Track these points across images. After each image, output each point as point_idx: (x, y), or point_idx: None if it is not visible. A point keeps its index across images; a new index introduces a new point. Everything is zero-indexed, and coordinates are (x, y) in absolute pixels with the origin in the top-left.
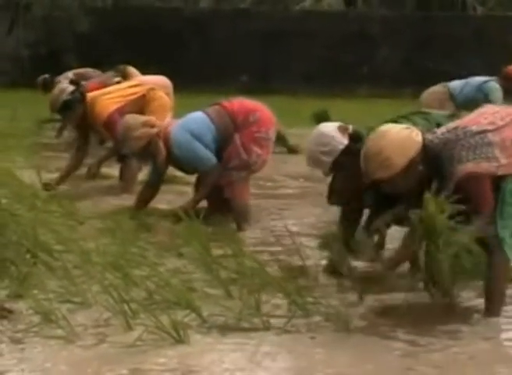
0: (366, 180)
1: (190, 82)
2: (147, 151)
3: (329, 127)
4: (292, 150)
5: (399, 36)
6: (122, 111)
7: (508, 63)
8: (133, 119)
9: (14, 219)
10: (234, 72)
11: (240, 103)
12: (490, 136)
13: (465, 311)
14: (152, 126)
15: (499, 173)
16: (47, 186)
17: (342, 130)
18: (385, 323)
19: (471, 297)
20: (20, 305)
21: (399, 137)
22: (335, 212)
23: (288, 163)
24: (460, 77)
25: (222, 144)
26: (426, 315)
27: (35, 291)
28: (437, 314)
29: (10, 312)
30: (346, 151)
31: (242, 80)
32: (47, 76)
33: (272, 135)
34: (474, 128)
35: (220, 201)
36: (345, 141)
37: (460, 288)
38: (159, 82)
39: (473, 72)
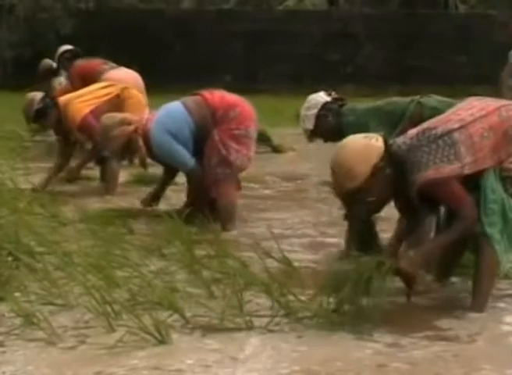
0: (339, 194)
1: (173, 83)
2: (127, 150)
3: (318, 92)
4: (276, 150)
5: (382, 34)
6: (96, 112)
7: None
8: (108, 119)
9: None
10: (218, 72)
11: (221, 97)
12: (456, 135)
13: (450, 309)
14: (129, 123)
15: (466, 172)
16: (33, 190)
17: (327, 93)
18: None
19: (455, 294)
20: (2, 308)
21: (358, 147)
22: (318, 213)
23: (271, 163)
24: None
25: (199, 136)
26: (410, 314)
27: (17, 294)
28: (422, 313)
29: None
30: (326, 106)
31: (226, 80)
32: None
33: (253, 132)
34: (439, 130)
35: (203, 201)
36: (328, 99)
37: (444, 285)
38: (129, 79)
39: (456, 69)
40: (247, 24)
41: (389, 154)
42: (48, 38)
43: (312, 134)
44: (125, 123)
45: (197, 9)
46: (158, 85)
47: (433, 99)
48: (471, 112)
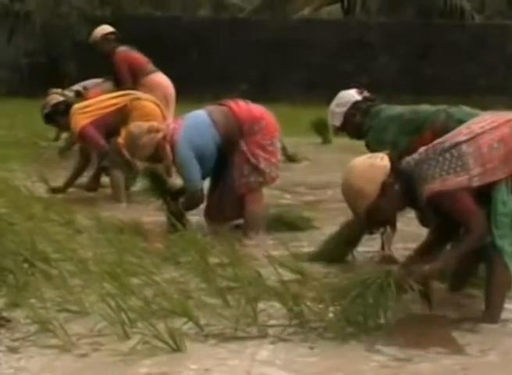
0: (358, 218)
1: (189, 91)
2: (156, 157)
3: (350, 90)
4: (291, 159)
5: (398, 44)
6: (98, 123)
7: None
8: (136, 127)
9: (12, 228)
10: (234, 81)
11: (248, 110)
12: (464, 147)
13: (463, 321)
14: (157, 131)
15: (476, 183)
16: (54, 190)
17: (359, 91)
18: (379, 334)
19: (469, 305)
20: (18, 314)
21: (363, 168)
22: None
23: (288, 171)
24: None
25: (225, 147)
26: (422, 326)
27: (32, 300)
28: (434, 325)
29: (8, 320)
30: (356, 105)
31: (242, 89)
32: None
33: (277, 142)
34: (447, 144)
35: (220, 211)
36: (359, 97)
37: (456, 297)
38: (168, 85)
39: (472, 79)
40: (263, 33)
41: (397, 170)
42: (63, 45)
43: (338, 130)
44: (153, 130)
45: (212, 18)
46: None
47: (461, 111)
48: (482, 125)
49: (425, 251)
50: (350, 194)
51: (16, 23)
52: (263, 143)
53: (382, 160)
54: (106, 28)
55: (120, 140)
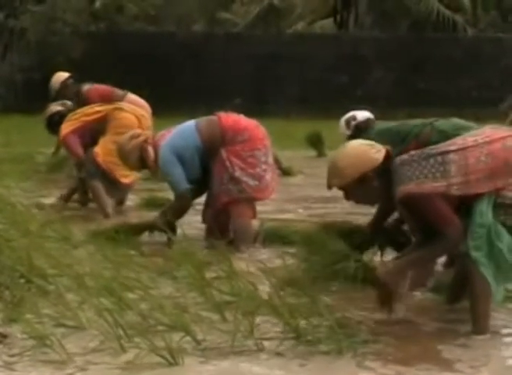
0: (328, 187)
1: (183, 105)
2: (143, 161)
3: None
4: (286, 172)
5: (391, 57)
6: (82, 130)
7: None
8: (122, 138)
9: (8, 244)
10: (228, 95)
11: (235, 120)
12: (450, 155)
13: (456, 336)
14: (138, 136)
15: (454, 192)
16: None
17: (347, 121)
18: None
19: (464, 318)
20: (14, 330)
21: (355, 151)
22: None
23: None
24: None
25: (207, 154)
26: (415, 341)
27: (29, 316)
28: (426, 340)
29: (4, 336)
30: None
31: (236, 103)
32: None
33: (261, 155)
34: (436, 150)
35: (215, 224)
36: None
37: (454, 308)
38: (143, 103)
39: (465, 92)
40: (257, 47)
41: (383, 168)
42: (58, 62)
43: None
44: (135, 136)
45: (207, 33)
46: (168, 107)
47: (447, 122)
48: (475, 138)
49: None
50: (331, 168)
51: (10, 40)
52: (242, 154)
53: (376, 152)
54: (61, 75)
55: (96, 149)
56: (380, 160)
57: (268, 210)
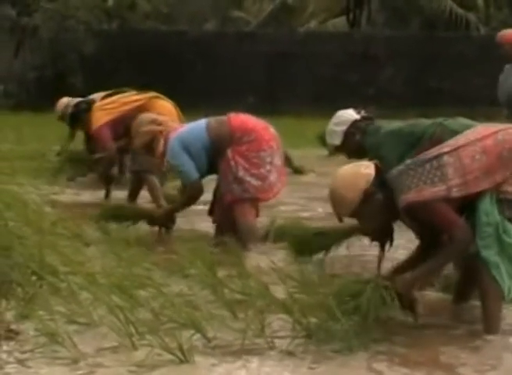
0: (339, 221)
1: (195, 104)
2: (150, 148)
3: (347, 109)
4: (297, 171)
5: (403, 56)
6: (117, 121)
7: None
8: (145, 116)
9: (20, 241)
10: (240, 93)
11: (243, 121)
12: (445, 158)
13: (464, 337)
14: (159, 124)
15: (455, 194)
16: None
17: (357, 111)
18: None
19: (472, 318)
20: (27, 326)
21: (347, 175)
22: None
23: (292, 184)
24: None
25: (214, 153)
26: (423, 343)
27: (41, 313)
28: (434, 343)
29: (17, 333)
30: (355, 124)
31: (248, 102)
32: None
33: (267, 157)
34: (430, 155)
35: (226, 222)
36: (357, 117)
37: (462, 309)
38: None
39: (477, 91)
40: (269, 46)
41: (380, 179)
42: (70, 59)
43: (337, 150)
44: (155, 123)
45: (219, 31)
46: (180, 106)
47: (456, 122)
48: (467, 137)
49: (410, 263)
50: (333, 201)
51: (23, 37)
52: (247, 154)
53: (366, 168)
54: (68, 101)
55: None
56: (373, 174)
57: (289, 210)
